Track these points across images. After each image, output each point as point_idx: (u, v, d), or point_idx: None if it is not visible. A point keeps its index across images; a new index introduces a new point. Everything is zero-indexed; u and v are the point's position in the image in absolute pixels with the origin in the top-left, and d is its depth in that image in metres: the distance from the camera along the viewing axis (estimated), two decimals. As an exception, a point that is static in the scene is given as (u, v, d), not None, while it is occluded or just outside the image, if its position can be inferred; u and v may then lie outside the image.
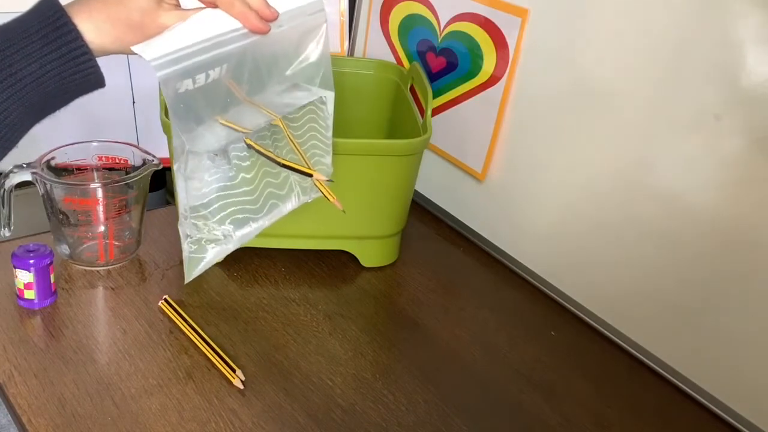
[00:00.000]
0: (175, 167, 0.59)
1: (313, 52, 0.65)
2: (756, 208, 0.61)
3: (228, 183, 0.64)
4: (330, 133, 0.68)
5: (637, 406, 0.69)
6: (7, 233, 0.76)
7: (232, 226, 0.66)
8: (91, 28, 0.49)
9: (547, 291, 0.83)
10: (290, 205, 0.70)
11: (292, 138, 0.65)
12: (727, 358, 0.66)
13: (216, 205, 0.64)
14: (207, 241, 0.65)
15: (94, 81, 0.51)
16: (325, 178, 0.63)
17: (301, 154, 0.66)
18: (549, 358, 0.74)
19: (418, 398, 0.66)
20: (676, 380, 0.71)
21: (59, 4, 0.49)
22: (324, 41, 0.65)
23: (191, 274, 0.65)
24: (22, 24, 0.48)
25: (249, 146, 0.62)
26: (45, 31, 0.47)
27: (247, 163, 0.64)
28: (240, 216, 0.66)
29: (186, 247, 0.64)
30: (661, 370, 0.73)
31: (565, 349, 0.76)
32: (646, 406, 0.69)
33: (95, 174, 0.81)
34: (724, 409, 0.67)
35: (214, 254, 0.66)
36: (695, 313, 0.68)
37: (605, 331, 0.77)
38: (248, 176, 0.65)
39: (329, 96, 0.66)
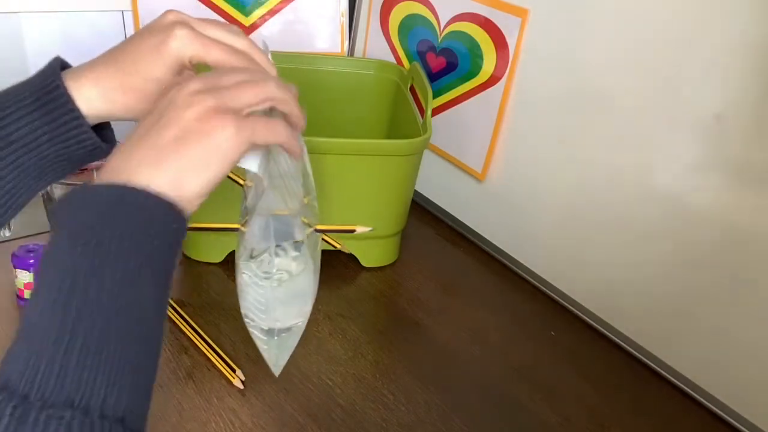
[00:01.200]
0: (245, 274, 0.56)
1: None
2: (756, 209, 0.61)
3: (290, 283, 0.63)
4: (314, 188, 0.68)
5: (637, 406, 0.69)
6: (7, 233, 0.76)
7: (302, 312, 0.65)
8: (97, 95, 0.46)
9: (547, 291, 0.83)
10: (318, 263, 0.70)
11: (313, 209, 0.66)
12: (728, 358, 0.66)
13: (288, 304, 0.63)
14: (281, 330, 0.64)
15: (93, 148, 0.48)
16: (368, 228, 0.63)
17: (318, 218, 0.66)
18: (549, 358, 0.74)
19: (418, 398, 0.66)
20: (676, 380, 0.71)
21: (58, 68, 0.46)
22: None
23: (280, 366, 0.63)
24: (24, 86, 0.46)
25: (306, 225, 0.62)
26: (39, 94, 0.45)
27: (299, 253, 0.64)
28: (305, 297, 0.66)
29: (269, 341, 0.63)
30: (661, 370, 0.73)
31: (565, 349, 0.76)
32: (646, 406, 0.69)
33: (95, 174, 0.80)
34: (724, 409, 0.67)
35: (295, 338, 0.65)
36: (695, 313, 0.68)
37: (605, 331, 0.77)
38: (312, 265, 0.65)
39: (306, 158, 0.65)
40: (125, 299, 0.35)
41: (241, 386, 0.65)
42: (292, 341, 0.64)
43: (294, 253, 0.60)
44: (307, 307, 0.66)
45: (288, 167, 0.61)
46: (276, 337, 0.63)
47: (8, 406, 0.31)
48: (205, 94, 0.42)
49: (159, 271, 0.38)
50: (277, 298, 0.62)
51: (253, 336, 0.61)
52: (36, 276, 0.36)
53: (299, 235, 0.60)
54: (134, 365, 0.35)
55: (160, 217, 0.38)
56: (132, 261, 0.36)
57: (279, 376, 0.67)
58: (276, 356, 0.63)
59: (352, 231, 0.63)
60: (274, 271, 0.60)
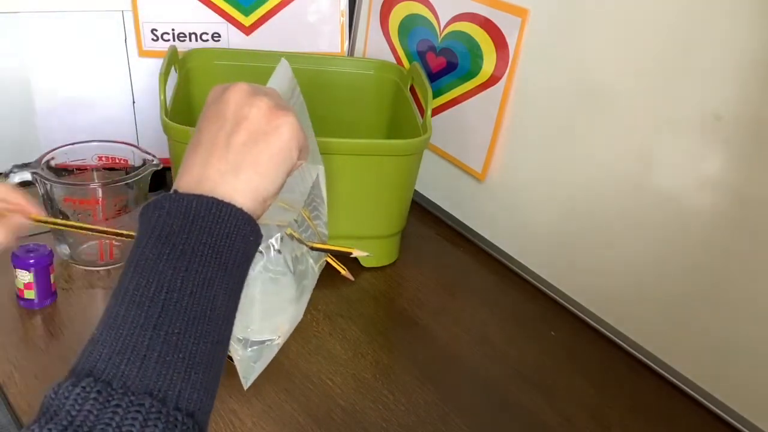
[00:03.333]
0: None
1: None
2: (756, 209, 0.61)
3: (276, 290, 0.63)
4: (326, 205, 0.67)
5: (637, 406, 0.69)
6: (7, 233, 0.76)
7: (277, 326, 0.65)
8: None
9: (547, 291, 0.83)
10: (312, 285, 0.70)
11: (314, 225, 0.65)
12: (727, 358, 0.66)
13: (262, 312, 0.63)
14: (254, 342, 0.64)
15: None
16: (365, 253, 0.63)
17: (319, 236, 0.66)
18: (549, 358, 0.74)
19: (418, 398, 0.66)
20: (676, 380, 0.71)
21: None
22: (303, 111, 0.62)
23: (251, 378, 0.64)
24: None
25: (291, 237, 0.61)
26: None
27: (284, 267, 0.63)
28: (283, 316, 0.66)
29: (240, 350, 0.63)
30: (661, 370, 0.73)
31: (565, 349, 0.76)
32: (646, 406, 0.69)
33: (95, 174, 0.81)
34: (724, 409, 0.67)
35: (267, 354, 0.65)
36: (696, 313, 0.68)
37: (605, 331, 0.77)
38: (292, 278, 0.64)
39: (321, 170, 0.65)
40: (203, 303, 0.38)
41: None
42: (264, 358, 0.64)
43: (274, 261, 0.60)
44: (285, 326, 0.66)
45: (294, 179, 0.61)
46: (249, 349, 0.63)
47: (93, 391, 0.33)
48: (259, 95, 0.45)
49: (233, 279, 0.41)
50: (252, 304, 0.61)
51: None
52: (122, 272, 0.39)
53: (277, 244, 0.60)
54: (206, 365, 0.37)
55: (240, 229, 0.41)
56: (211, 269, 0.39)
57: (280, 378, 0.67)
58: (246, 369, 0.63)
59: (349, 254, 0.63)
60: (252, 273, 0.60)
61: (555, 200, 0.79)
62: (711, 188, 0.64)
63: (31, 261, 0.69)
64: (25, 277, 0.70)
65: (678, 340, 0.70)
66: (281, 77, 0.60)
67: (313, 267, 0.69)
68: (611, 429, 0.66)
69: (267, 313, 0.64)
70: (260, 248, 0.59)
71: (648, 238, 0.70)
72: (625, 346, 0.76)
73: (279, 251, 0.61)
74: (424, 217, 0.97)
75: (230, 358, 0.64)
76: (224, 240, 0.40)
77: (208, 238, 0.39)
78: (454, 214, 0.95)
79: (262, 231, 0.56)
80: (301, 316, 0.67)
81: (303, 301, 0.67)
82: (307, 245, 0.63)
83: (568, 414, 0.67)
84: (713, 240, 0.65)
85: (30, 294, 0.71)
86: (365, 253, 0.63)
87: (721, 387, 0.68)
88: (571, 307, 0.81)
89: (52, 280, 0.72)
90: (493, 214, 0.89)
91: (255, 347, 0.64)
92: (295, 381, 0.67)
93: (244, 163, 0.43)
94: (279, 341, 0.65)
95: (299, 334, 0.73)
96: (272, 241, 0.60)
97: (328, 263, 0.68)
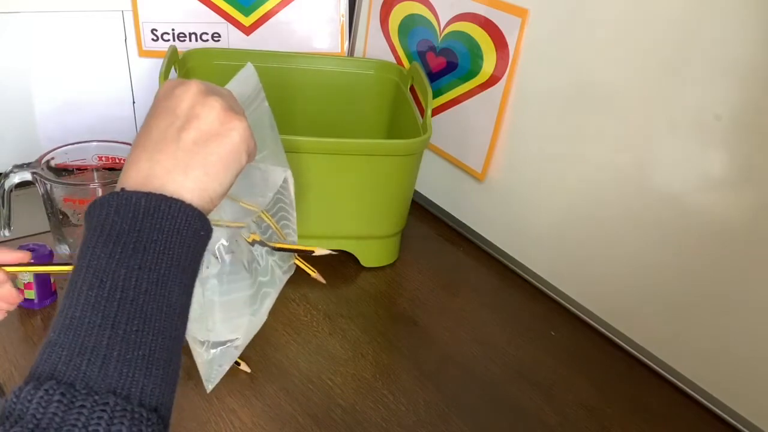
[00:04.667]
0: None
1: (266, 133, 0.61)
2: (756, 208, 0.61)
3: (233, 289, 0.63)
4: (294, 212, 0.67)
5: (637, 406, 0.69)
6: (7, 233, 0.76)
7: (237, 327, 0.65)
8: None
9: (547, 291, 0.83)
10: (276, 292, 0.69)
11: (277, 227, 0.65)
12: (727, 357, 0.66)
13: (221, 314, 0.63)
14: (215, 344, 0.64)
15: None
16: (326, 251, 0.63)
17: (283, 237, 0.66)
18: (549, 358, 0.74)
19: (418, 398, 0.66)
20: (676, 380, 0.71)
21: None
22: (268, 115, 0.61)
23: (213, 380, 0.64)
24: None
25: (253, 242, 0.61)
26: None
27: (244, 265, 0.63)
28: (242, 318, 0.66)
29: (202, 353, 0.63)
30: (661, 370, 0.73)
31: (565, 349, 0.76)
32: (646, 406, 0.69)
33: (95, 174, 0.81)
34: (724, 409, 0.68)
35: (230, 356, 0.65)
36: (695, 313, 0.68)
37: (605, 331, 0.77)
38: (248, 279, 0.64)
39: (288, 174, 0.65)
40: (158, 300, 0.38)
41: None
42: (225, 361, 0.64)
43: (226, 261, 0.60)
44: (244, 327, 0.65)
45: (256, 180, 0.61)
46: (212, 351, 0.63)
47: (56, 393, 0.33)
48: (213, 95, 0.44)
49: (186, 274, 0.40)
50: (211, 306, 0.61)
51: (190, 345, 0.61)
52: (74, 271, 0.38)
53: (228, 245, 0.60)
54: (165, 360, 0.37)
55: (190, 224, 0.41)
56: (164, 265, 0.39)
57: (280, 378, 0.67)
58: (209, 372, 0.63)
59: (311, 252, 0.62)
60: (204, 274, 0.60)
61: (555, 200, 0.79)
62: (711, 188, 0.64)
63: (31, 261, 0.69)
64: (25, 277, 0.70)
65: (678, 340, 0.70)
66: (244, 80, 0.59)
67: (281, 276, 0.69)
68: (611, 429, 0.66)
69: (226, 314, 0.63)
70: (214, 250, 0.59)
71: (648, 237, 0.70)
72: (625, 346, 0.76)
73: (232, 251, 0.61)
74: (424, 217, 0.97)
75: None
76: (175, 236, 0.40)
77: (159, 235, 0.39)
78: (454, 214, 0.95)
79: (215, 232, 0.56)
80: (263, 320, 0.67)
81: (265, 305, 0.67)
82: (268, 245, 0.63)
83: (568, 414, 0.67)
84: (713, 240, 0.65)
85: (30, 294, 0.71)
86: (327, 251, 0.62)
87: (721, 387, 0.68)
88: (571, 307, 0.81)
89: (52, 280, 0.72)
90: (493, 214, 0.89)
91: (218, 349, 0.64)
92: (295, 381, 0.67)
93: (194, 162, 0.42)
94: (239, 342, 0.65)
95: (299, 334, 0.73)
96: (223, 241, 0.60)
97: (298, 268, 0.68)
